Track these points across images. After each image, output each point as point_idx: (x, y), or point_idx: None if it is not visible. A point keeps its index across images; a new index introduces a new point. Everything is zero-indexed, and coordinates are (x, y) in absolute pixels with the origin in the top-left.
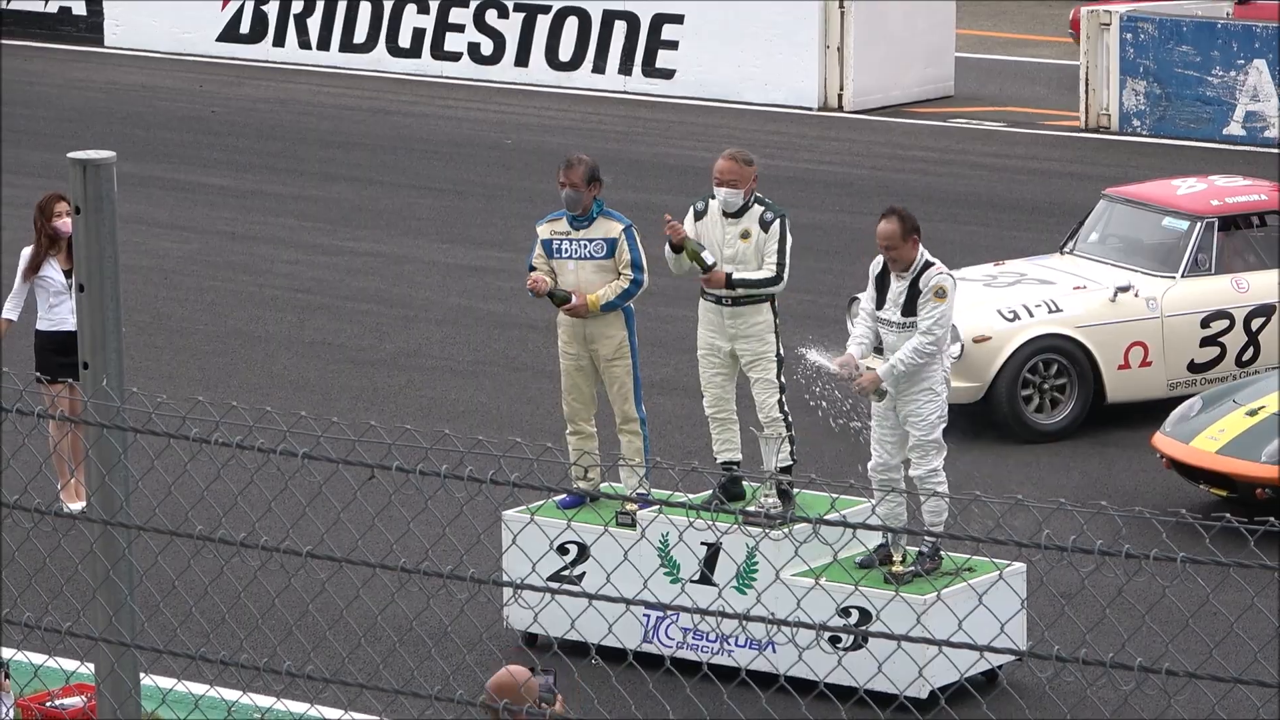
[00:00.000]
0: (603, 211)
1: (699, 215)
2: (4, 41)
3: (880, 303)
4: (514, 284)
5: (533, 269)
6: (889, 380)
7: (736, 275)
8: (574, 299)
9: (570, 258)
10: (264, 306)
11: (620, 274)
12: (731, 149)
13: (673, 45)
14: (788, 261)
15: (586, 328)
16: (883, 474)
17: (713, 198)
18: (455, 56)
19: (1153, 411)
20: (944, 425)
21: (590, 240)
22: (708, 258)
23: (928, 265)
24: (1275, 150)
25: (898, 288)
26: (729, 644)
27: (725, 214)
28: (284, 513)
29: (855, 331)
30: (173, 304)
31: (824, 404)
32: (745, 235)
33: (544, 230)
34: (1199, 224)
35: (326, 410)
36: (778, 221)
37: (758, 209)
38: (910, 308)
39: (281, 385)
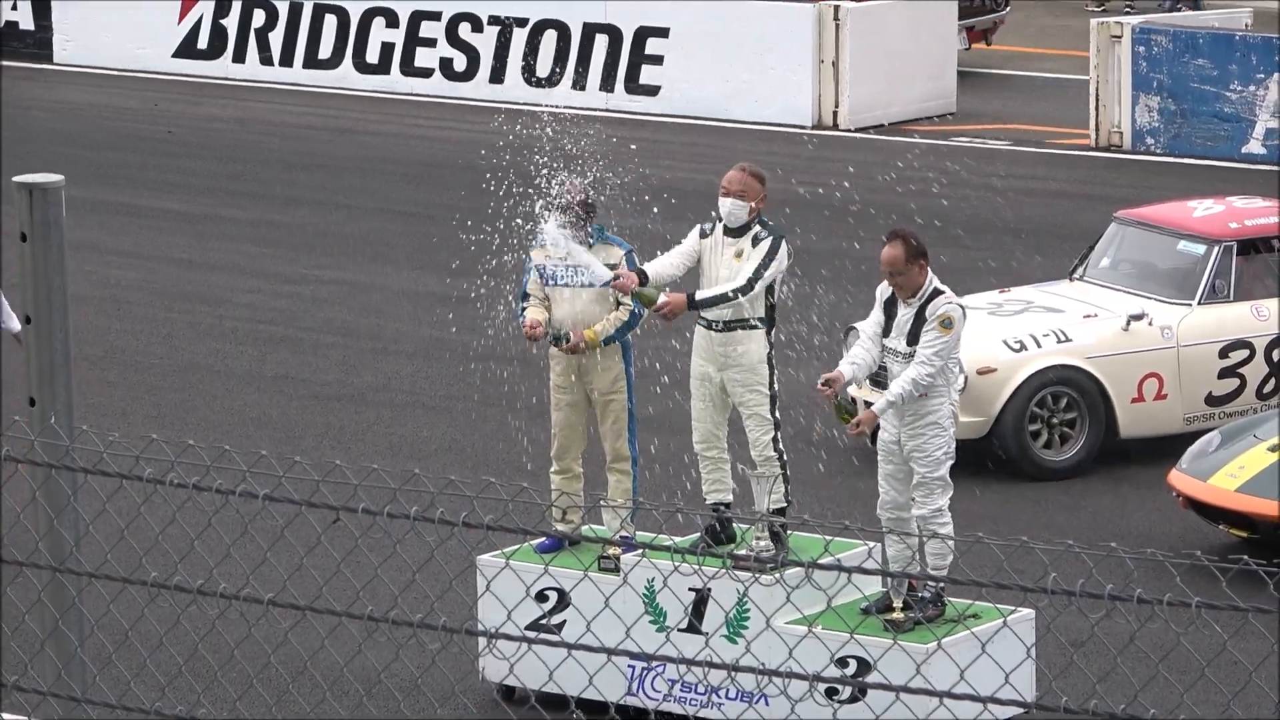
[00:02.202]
0: (602, 237)
1: (704, 234)
2: None
3: (887, 330)
4: (489, 314)
5: (525, 297)
6: (886, 415)
7: (699, 294)
8: (572, 336)
9: (566, 285)
10: (223, 339)
11: (619, 304)
12: (745, 162)
13: (657, 60)
14: (764, 276)
15: (582, 360)
16: (892, 513)
17: (720, 219)
18: (426, 73)
19: (1168, 447)
20: (951, 462)
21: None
22: (660, 299)
23: (936, 293)
24: None
25: (904, 314)
26: (718, 696)
27: (726, 231)
28: (244, 558)
29: (851, 352)
30: (126, 336)
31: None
32: (739, 255)
33: (538, 256)
34: (1216, 248)
35: (289, 449)
36: (769, 240)
37: (757, 229)
38: (916, 336)
39: (242, 422)
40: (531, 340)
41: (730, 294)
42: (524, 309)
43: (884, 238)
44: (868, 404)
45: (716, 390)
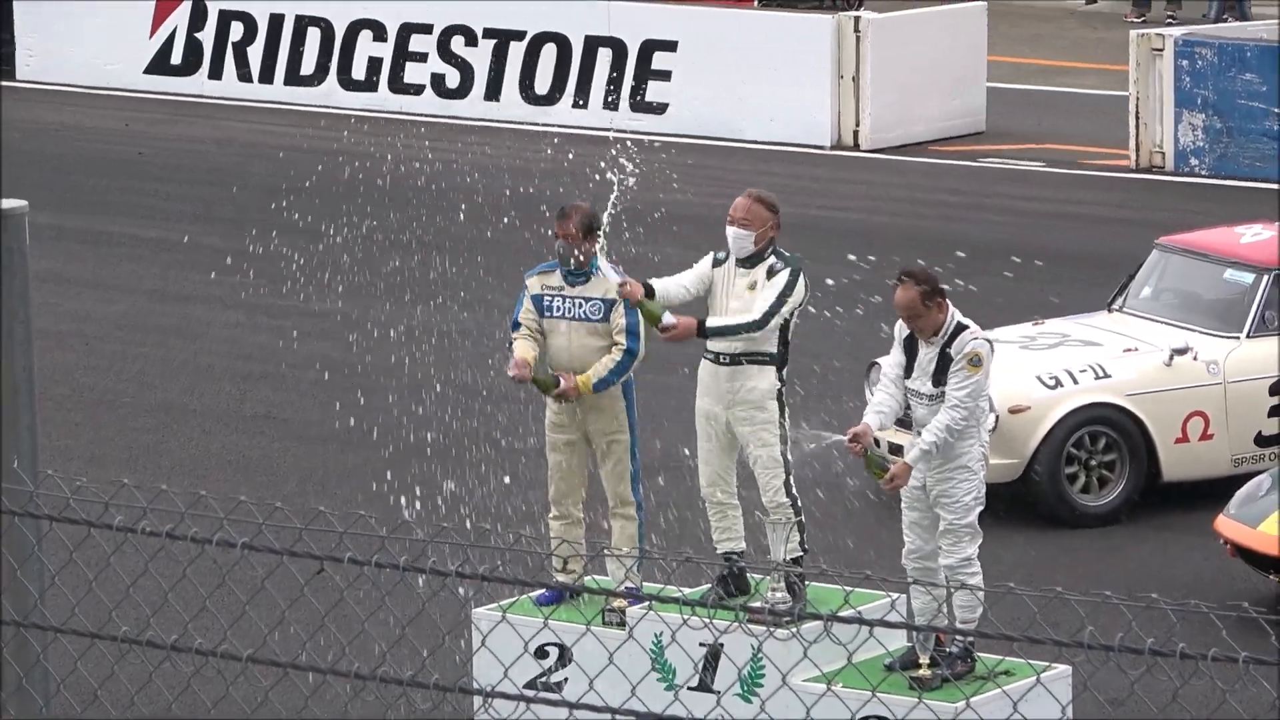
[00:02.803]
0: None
1: (717, 263)
2: None
3: (909, 370)
4: (484, 350)
5: (517, 326)
6: (921, 465)
7: (710, 321)
8: (562, 383)
9: (562, 317)
10: (199, 376)
11: (614, 343)
12: (756, 189)
13: (664, 76)
14: (779, 311)
15: (580, 399)
16: (918, 562)
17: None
18: (417, 90)
19: (1215, 491)
20: (980, 508)
21: (587, 300)
22: (667, 318)
23: (960, 329)
24: None
25: (927, 354)
26: None
27: (739, 261)
28: (221, 611)
29: (874, 399)
30: (94, 374)
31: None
32: (752, 287)
33: (534, 284)
34: (1266, 277)
35: (269, 494)
36: (786, 271)
37: (771, 260)
38: (941, 377)
39: (219, 466)
40: (518, 382)
41: (742, 326)
42: (514, 341)
43: (893, 281)
44: (890, 446)
45: (723, 430)
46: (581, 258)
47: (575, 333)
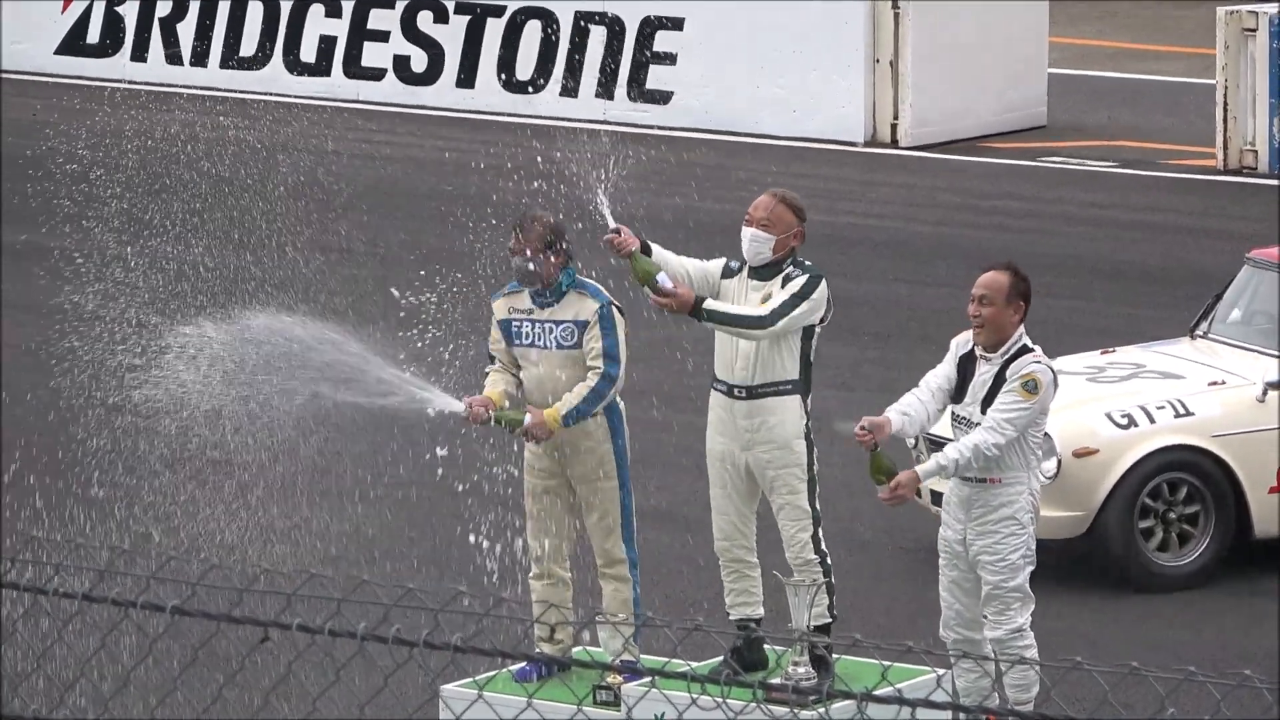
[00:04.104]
0: (575, 284)
1: (729, 273)
2: None
3: (960, 393)
4: (455, 379)
5: (493, 359)
6: (949, 506)
7: (709, 303)
8: (527, 419)
9: (532, 345)
10: (115, 410)
11: (590, 368)
12: (781, 189)
13: (669, 59)
14: (791, 315)
15: (559, 438)
16: (959, 631)
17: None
18: (376, 74)
19: None
20: (1031, 568)
21: (557, 323)
22: (663, 280)
23: (1025, 350)
24: None
25: (983, 374)
26: None
27: (752, 272)
28: (146, 688)
29: (903, 400)
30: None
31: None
32: (766, 299)
33: (500, 307)
34: None
35: (204, 550)
36: (804, 277)
37: (789, 269)
38: (993, 402)
39: (152, 518)
40: (477, 424)
41: (746, 318)
42: (487, 375)
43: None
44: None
45: (740, 475)
46: (544, 277)
47: (547, 362)
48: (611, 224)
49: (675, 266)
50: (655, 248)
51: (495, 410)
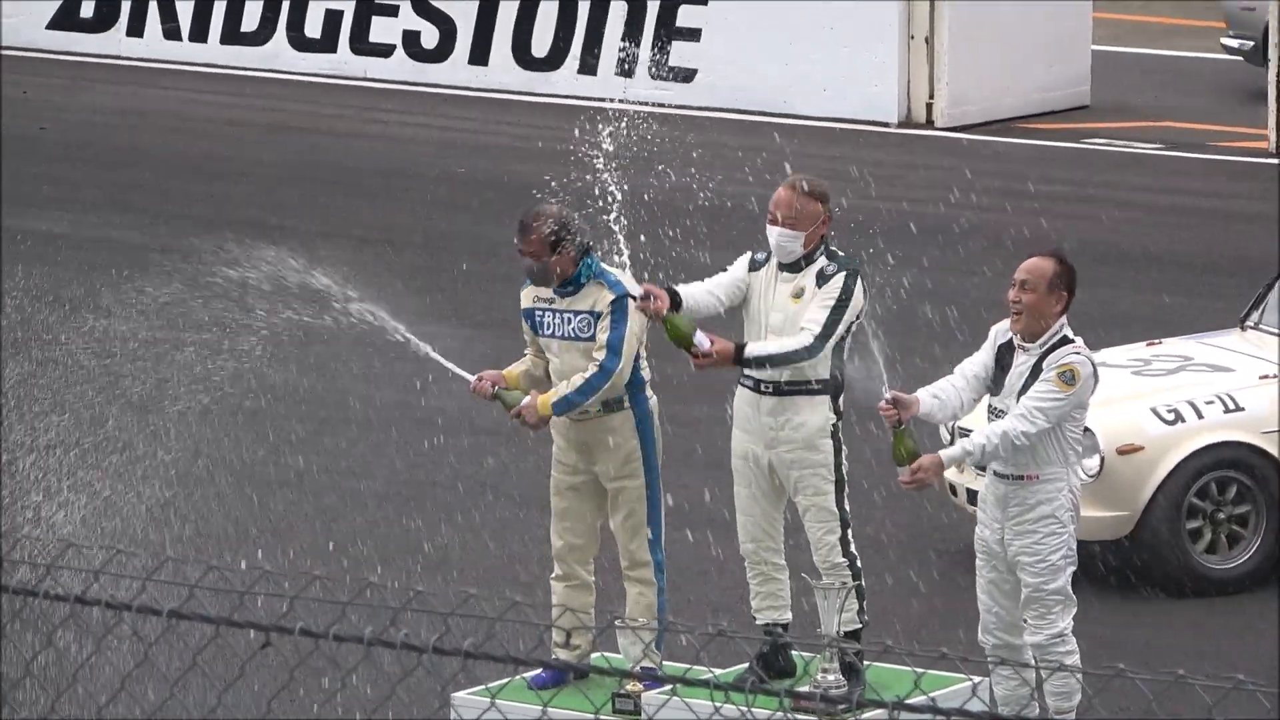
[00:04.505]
0: (595, 274)
1: (755, 266)
2: None
3: (998, 385)
4: (467, 370)
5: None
6: (985, 504)
7: (751, 348)
8: (524, 400)
9: (553, 335)
10: (115, 404)
11: (592, 360)
12: (798, 175)
13: (693, 35)
14: (837, 330)
15: (580, 432)
16: (998, 636)
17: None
18: (385, 51)
19: None
20: (1073, 570)
21: (575, 314)
22: (700, 340)
23: (1064, 341)
24: None
25: (1021, 364)
26: None
27: (780, 266)
28: (142, 695)
29: (937, 383)
30: None
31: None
32: (798, 295)
33: (526, 296)
34: None
35: (204, 551)
36: (842, 275)
37: (822, 262)
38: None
39: (139, 516)
40: (479, 398)
41: (792, 355)
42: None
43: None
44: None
45: (765, 474)
46: (557, 274)
47: (568, 353)
48: (638, 290)
49: (707, 301)
50: (683, 291)
51: (500, 388)
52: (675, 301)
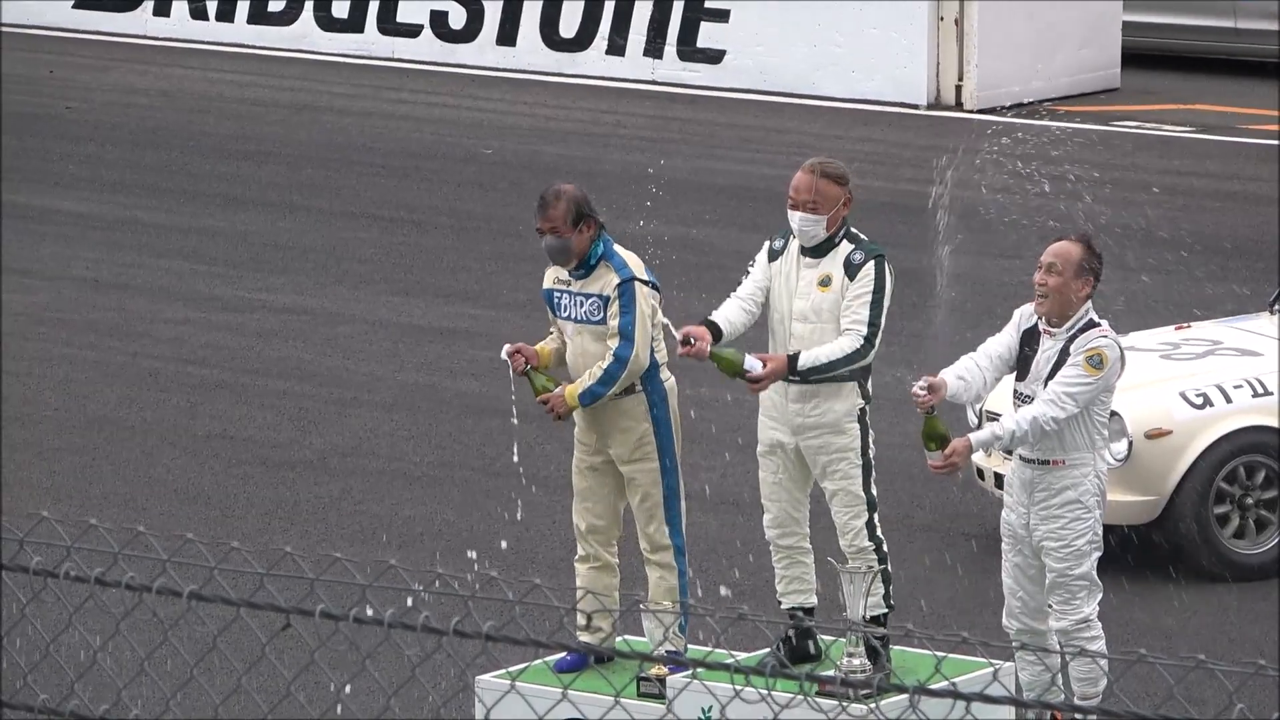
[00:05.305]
0: (605, 256)
1: (774, 255)
2: None
3: (1023, 370)
4: (493, 353)
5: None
6: (1012, 488)
7: (804, 358)
8: (555, 390)
9: (569, 318)
10: (140, 384)
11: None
12: (816, 159)
13: (721, 16)
14: (882, 322)
15: (595, 414)
16: (1023, 621)
17: (793, 234)
18: (413, 31)
19: None
20: (1098, 555)
21: (587, 296)
22: (751, 364)
23: (1090, 325)
24: None
25: (1048, 349)
26: None
27: (803, 251)
28: (163, 676)
29: (960, 364)
30: (10, 380)
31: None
32: (825, 283)
33: (548, 276)
34: None
35: (224, 531)
36: (871, 264)
37: (846, 247)
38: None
39: (162, 496)
40: (514, 370)
41: (844, 360)
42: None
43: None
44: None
45: (792, 461)
46: (576, 252)
47: (582, 337)
48: (678, 335)
49: (741, 319)
50: (718, 318)
51: (532, 367)
52: (715, 333)
